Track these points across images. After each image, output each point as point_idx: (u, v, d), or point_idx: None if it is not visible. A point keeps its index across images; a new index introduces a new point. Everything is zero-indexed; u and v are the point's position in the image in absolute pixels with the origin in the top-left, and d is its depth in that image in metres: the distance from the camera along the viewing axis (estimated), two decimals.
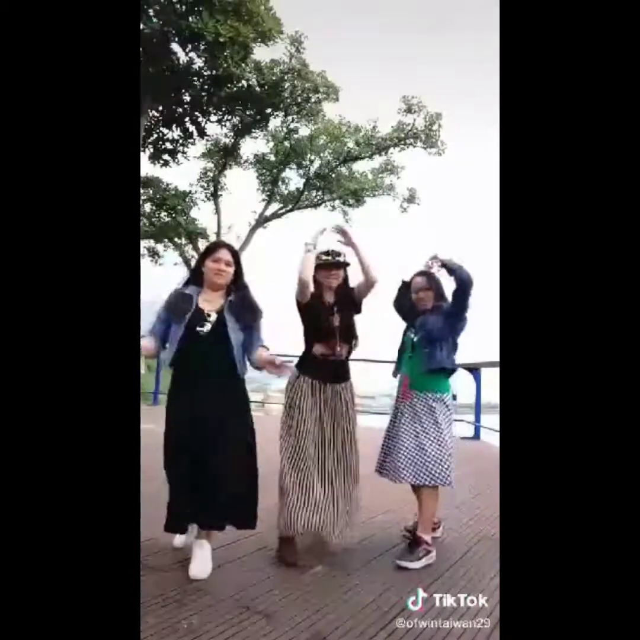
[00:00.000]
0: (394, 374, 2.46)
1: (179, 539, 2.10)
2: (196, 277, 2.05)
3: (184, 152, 11.82)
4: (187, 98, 10.73)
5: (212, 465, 1.85)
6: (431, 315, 2.29)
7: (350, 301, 2.24)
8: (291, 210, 14.44)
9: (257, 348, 2.01)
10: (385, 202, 14.64)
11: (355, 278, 2.23)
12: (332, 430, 2.18)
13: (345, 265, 2.23)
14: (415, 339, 2.31)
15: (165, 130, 11.44)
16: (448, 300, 2.30)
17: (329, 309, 2.20)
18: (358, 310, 2.26)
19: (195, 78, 10.26)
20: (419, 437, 2.20)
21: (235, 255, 2.02)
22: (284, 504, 2.09)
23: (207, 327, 1.91)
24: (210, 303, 1.97)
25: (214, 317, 1.93)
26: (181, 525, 1.93)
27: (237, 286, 2.02)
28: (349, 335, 2.21)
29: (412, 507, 2.53)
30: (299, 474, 2.11)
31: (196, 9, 8.64)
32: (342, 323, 2.17)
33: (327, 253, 2.20)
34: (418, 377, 2.27)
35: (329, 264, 2.19)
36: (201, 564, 1.87)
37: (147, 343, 1.95)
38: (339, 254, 2.20)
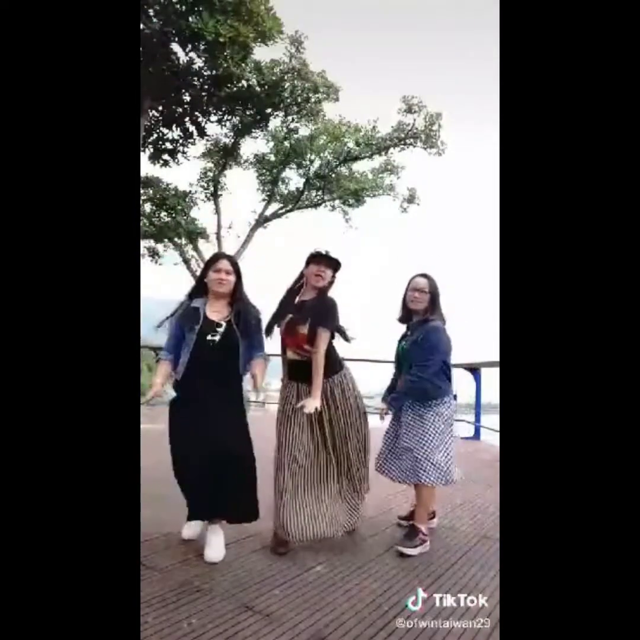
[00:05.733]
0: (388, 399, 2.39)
1: (187, 531, 2.16)
2: (200, 288, 2.16)
3: (184, 152, 11.79)
4: (187, 98, 10.70)
5: (220, 465, 1.93)
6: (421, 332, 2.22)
7: (319, 310, 2.11)
8: (291, 210, 14.41)
9: (255, 355, 2.12)
10: (385, 202, 14.63)
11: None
12: (324, 428, 2.15)
13: (336, 265, 2.19)
14: (405, 346, 2.31)
15: (165, 130, 11.40)
16: (439, 313, 2.26)
17: (300, 310, 2.15)
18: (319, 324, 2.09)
19: (195, 78, 10.24)
20: (402, 437, 2.24)
21: (235, 265, 2.13)
22: (279, 507, 2.10)
23: (217, 336, 2.03)
24: (217, 313, 2.09)
25: (223, 326, 2.05)
26: (202, 516, 2.08)
27: (238, 296, 2.12)
28: (313, 337, 2.08)
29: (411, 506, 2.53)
30: (292, 478, 2.11)
31: (196, 9, 8.61)
32: (309, 328, 2.08)
33: (322, 252, 2.18)
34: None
35: (320, 256, 2.16)
36: (216, 548, 2.01)
37: (166, 367, 2.09)
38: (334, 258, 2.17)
